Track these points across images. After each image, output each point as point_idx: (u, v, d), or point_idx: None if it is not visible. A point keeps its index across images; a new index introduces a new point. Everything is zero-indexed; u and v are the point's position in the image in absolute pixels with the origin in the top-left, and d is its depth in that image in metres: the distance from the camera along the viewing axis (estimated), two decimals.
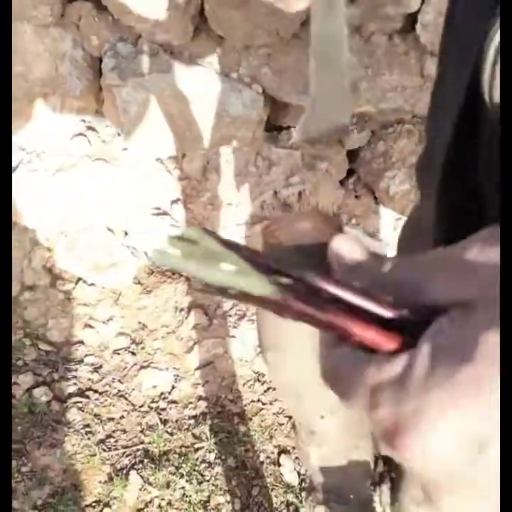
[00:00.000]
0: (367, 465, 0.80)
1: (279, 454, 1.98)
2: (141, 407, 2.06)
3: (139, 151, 1.93)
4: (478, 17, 0.52)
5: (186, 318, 2.20)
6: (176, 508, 1.86)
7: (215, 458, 1.96)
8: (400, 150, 2.02)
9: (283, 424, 2.03)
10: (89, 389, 2.07)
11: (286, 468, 1.94)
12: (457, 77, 0.58)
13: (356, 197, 2.18)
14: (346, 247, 0.40)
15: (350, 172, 2.16)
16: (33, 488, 1.86)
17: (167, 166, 2.06)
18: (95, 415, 2.02)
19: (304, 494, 1.83)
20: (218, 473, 1.93)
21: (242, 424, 2.03)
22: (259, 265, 0.36)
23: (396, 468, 0.79)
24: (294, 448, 1.98)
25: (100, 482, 1.90)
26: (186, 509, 1.86)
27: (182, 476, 1.91)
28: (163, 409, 2.06)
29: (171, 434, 2.00)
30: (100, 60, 1.77)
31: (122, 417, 2.04)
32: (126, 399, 2.07)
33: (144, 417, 2.04)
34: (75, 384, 2.07)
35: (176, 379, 2.11)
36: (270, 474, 1.94)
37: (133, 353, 2.15)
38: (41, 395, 2.02)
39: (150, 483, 1.90)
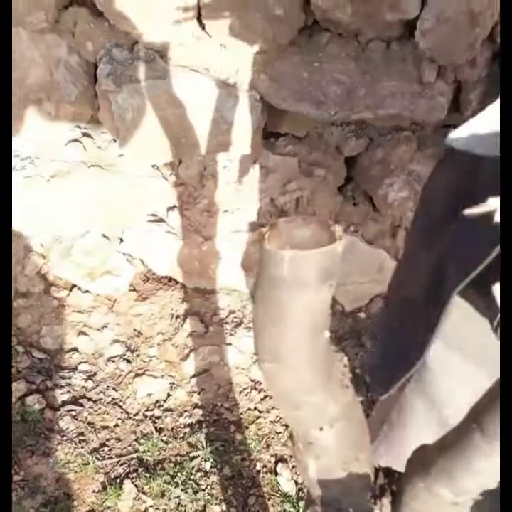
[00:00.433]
0: (367, 477, 0.78)
1: (276, 462, 1.96)
2: (135, 415, 2.04)
3: (134, 157, 1.91)
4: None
5: (182, 325, 2.18)
6: None
7: (211, 467, 1.94)
8: (398, 157, 2.01)
9: (280, 432, 2.02)
10: (83, 397, 2.05)
11: (283, 478, 1.92)
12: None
13: (354, 204, 2.16)
14: None
15: (349, 179, 2.15)
16: (25, 497, 1.83)
17: (163, 173, 2.04)
18: (89, 423, 2.00)
19: (301, 505, 1.81)
20: (214, 482, 1.91)
21: (238, 432, 2.02)
22: None
23: (397, 481, 0.77)
24: (291, 457, 1.96)
25: (94, 491, 1.88)
26: None
27: (177, 485, 1.89)
28: (158, 418, 2.04)
29: (166, 443, 1.98)
30: (96, 66, 1.76)
31: (116, 425, 2.01)
32: (120, 407, 2.05)
33: (138, 426, 2.02)
34: (69, 392, 2.05)
35: (171, 387, 2.09)
36: (267, 483, 1.92)
37: (128, 361, 2.13)
38: (34, 402, 2.00)
39: (144, 493, 1.88)
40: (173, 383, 2.10)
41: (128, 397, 2.08)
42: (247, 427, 2.03)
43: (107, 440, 1.99)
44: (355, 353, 2.16)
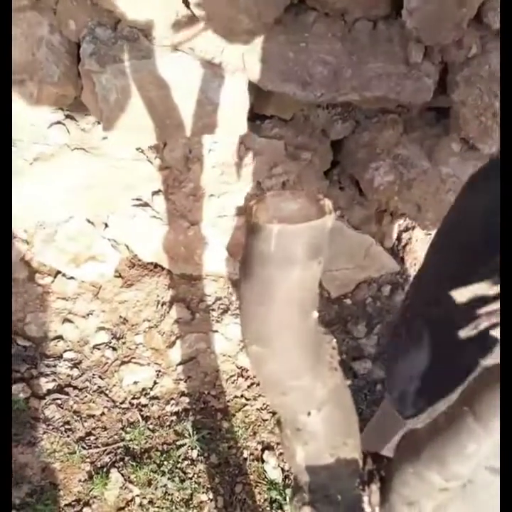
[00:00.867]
0: (355, 463, 0.77)
1: (263, 450, 1.94)
2: (122, 403, 2.02)
3: (119, 140, 1.87)
4: None
5: (168, 312, 2.16)
6: (158, 507, 1.82)
7: (198, 455, 1.92)
8: (384, 140, 1.99)
9: (267, 420, 2.00)
10: (69, 385, 2.02)
11: (269, 465, 1.90)
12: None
13: (340, 188, 2.14)
14: None
15: (335, 163, 2.13)
16: None
17: (148, 156, 2.01)
18: (75, 412, 1.98)
19: (288, 493, 1.79)
20: (201, 470, 1.89)
21: (225, 420, 2.00)
22: None
23: (386, 467, 0.75)
24: (278, 444, 1.94)
25: (80, 481, 1.86)
26: (168, 507, 1.82)
27: (164, 473, 1.87)
28: (145, 406, 2.02)
29: (153, 431, 1.96)
30: (78, 46, 1.71)
31: (103, 413, 1.99)
32: (106, 395, 2.02)
33: (124, 414, 1.99)
34: (54, 380, 2.02)
35: (157, 374, 2.07)
36: (253, 471, 1.91)
37: (114, 348, 2.11)
38: (19, 391, 1.96)
39: (131, 482, 1.85)
40: (159, 371, 2.07)
41: (114, 385, 2.05)
42: (233, 415, 2.01)
43: (93, 429, 1.96)
44: (342, 339, 2.14)
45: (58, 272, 2.18)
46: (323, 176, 2.09)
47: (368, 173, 2.04)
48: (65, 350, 2.09)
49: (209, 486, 1.86)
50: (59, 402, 1.99)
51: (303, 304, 0.58)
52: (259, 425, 2.00)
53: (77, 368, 2.06)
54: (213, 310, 2.18)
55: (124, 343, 2.12)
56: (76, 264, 2.15)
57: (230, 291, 2.22)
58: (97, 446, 1.92)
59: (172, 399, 2.03)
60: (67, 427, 1.95)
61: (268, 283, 0.56)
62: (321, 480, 0.75)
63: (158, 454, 1.91)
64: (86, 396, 2.01)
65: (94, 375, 2.05)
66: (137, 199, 2.10)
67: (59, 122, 1.90)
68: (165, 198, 2.07)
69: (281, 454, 1.91)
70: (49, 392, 2.00)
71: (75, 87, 1.79)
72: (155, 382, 2.06)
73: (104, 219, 2.15)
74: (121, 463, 1.89)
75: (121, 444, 1.93)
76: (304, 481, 0.75)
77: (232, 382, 2.07)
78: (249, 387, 2.06)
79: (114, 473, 1.86)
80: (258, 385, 2.04)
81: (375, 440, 1.07)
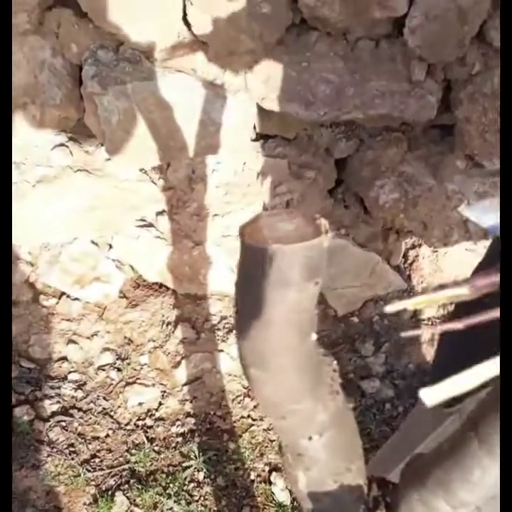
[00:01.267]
0: (360, 489, 0.75)
1: (270, 471, 1.92)
2: (127, 425, 2.00)
3: (122, 161, 1.88)
4: None
5: (173, 332, 2.14)
6: None
7: (204, 477, 1.90)
8: (388, 158, 1.98)
9: (274, 440, 1.98)
10: (73, 407, 2.01)
11: (277, 487, 1.88)
12: None
13: (345, 207, 2.13)
14: None
15: (339, 182, 2.12)
16: (14, 511, 1.78)
17: (151, 177, 2.01)
18: (79, 434, 1.96)
19: None
20: (207, 492, 1.87)
21: (231, 441, 1.98)
22: None
23: (392, 493, 0.74)
24: None
25: (85, 504, 1.84)
26: None
27: (170, 496, 1.85)
28: (150, 427, 2.00)
29: (158, 453, 1.94)
30: (80, 68, 1.72)
31: (107, 435, 1.97)
32: (111, 417, 2.01)
33: (129, 436, 1.97)
34: (59, 402, 2.01)
35: (162, 395, 2.05)
36: (261, 493, 1.88)
37: (118, 369, 2.09)
38: (23, 414, 1.95)
39: (136, 505, 1.83)
40: (164, 391, 2.06)
41: (119, 406, 2.03)
42: (240, 436, 1.99)
43: (98, 451, 1.94)
44: (349, 358, 2.12)
45: (63, 294, 2.18)
46: (328, 195, 2.08)
47: (372, 191, 2.03)
48: (70, 372, 2.08)
49: (216, 508, 1.84)
50: (63, 424, 1.97)
51: (300, 325, 0.57)
52: (267, 446, 1.97)
53: (82, 389, 2.05)
54: (218, 329, 2.17)
55: (128, 363, 2.11)
56: (80, 285, 2.15)
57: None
58: (102, 469, 1.90)
59: (177, 420, 2.01)
60: (71, 449, 1.93)
61: (263, 305, 0.54)
62: (324, 507, 0.73)
63: (164, 476, 1.89)
64: (90, 418, 2.00)
65: (98, 396, 2.04)
66: (141, 220, 2.10)
67: (62, 144, 1.91)
68: (169, 218, 2.07)
69: None
70: (53, 414, 1.99)
71: (77, 110, 1.80)
72: (160, 403, 2.04)
73: (108, 240, 2.15)
74: (127, 485, 1.87)
75: (126, 466, 1.91)
76: (307, 508, 0.73)
77: (239, 403, 2.05)
78: (255, 407, 2.04)
79: (120, 496, 1.84)
80: None
81: (393, 458, 1.04)
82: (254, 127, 1.88)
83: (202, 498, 1.86)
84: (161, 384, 2.07)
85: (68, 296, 2.18)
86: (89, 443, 1.95)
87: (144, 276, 2.22)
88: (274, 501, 1.86)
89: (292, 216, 0.54)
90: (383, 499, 0.74)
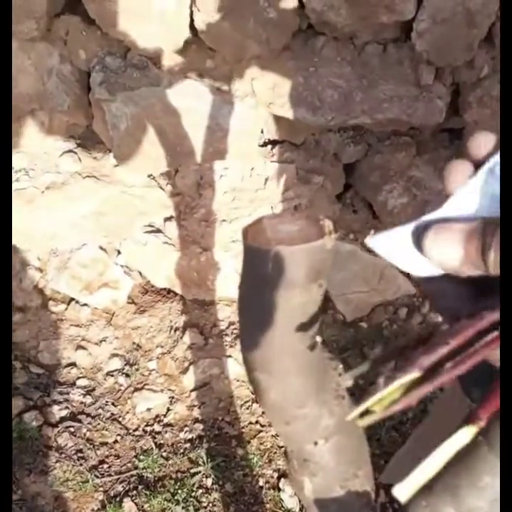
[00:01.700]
0: (367, 495, 0.74)
1: (279, 478, 1.91)
2: (135, 430, 2.00)
3: (130, 167, 1.88)
4: None
5: (181, 338, 2.14)
6: None
7: (213, 483, 1.89)
8: (397, 163, 1.98)
9: (282, 446, 1.97)
10: (82, 413, 2.01)
11: (286, 494, 1.87)
12: None
13: (354, 212, 2.13)
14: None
15: (347, 186, 2.12)
16: None
17: (159, 183, 2.01)
18: (88, 440, 1.96)
19: None
20: (216, 499, 1.86)
21: (240, 447, 1.97)
22: None
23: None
24: None
25: (93, 510, 1.83)
26: None
27: (178, 502, 1.84)
28: (158, 433, 1.99)
29: (167, 459, 1.93)
30: (88, 75, 1.73)
31: (116, 441, 1.97)
32: (119, 423, 2.01)
33: (138, 441, 1.97)
34: (67, 408, 2.01)
35: (171, 401, 2.05)
36: (270, 499, 1.87)
37: (127, 375, 2.09)
38: (32, 419, 1.95)
39: (145, 511, 1.83)
40: (172, 397, 2.05)
41: (127, 412, 2.03)
42: (248, 442, 1.98)
43: (106, 457, 1.94)
44: (358, 364, 2.11)
45: (71, 299, 2.18)
46: (336, 200, 2.08)
47: (381, 196, 2.02)
48: (78, 378, 2.08)
49: None
50: (72, 430, 1.97)
51: (305, 328, 0.56)
52: (275, 452, 1.96)
53: (90, 395, 2.05)
54: (226, 335, 2.17)
55: (137, 369, 2.11)
56: (89, 291, 2.15)
57: None
58: (110, 475, 1.90)
59: (186, 426, 2.01)
60: (79, 455, 1.93)
61: (267, 307, 0.54)
62: None
63: (172, 482, 1.89)
64: (99, 423, 1.99)
65: (107, 402, 2.04)
66: (149, 225, 2.10)
67: (70, 151, 1.92)
68: (177, 224, 2.07)
69: None
70: (62, 420, 1.99)
71: (85, 116, 1.81)
72: (168, 409, 2.04)
73: (116, 246, 2.16)
74: (135, 491, 1.87)
75: (134, 472, 1.91)
76: None
77: (247, 408, 2.05)
78: (264, 413, 2.03)
79: (128, 503, 1.84)
80: None
81: (406, 466, 1.02)
82: (262, 133, 1.88)
83: (210, 505, 1.85)
84: (169, 390, 2.07)
85: (77, 302, 2.18)
86: (98, 449, 1.95)
87: (152, 281, 2.23)
88: (282, 508, 1.85)
89: (296, 218, 0.53)
90: (391, 505, 0.73)
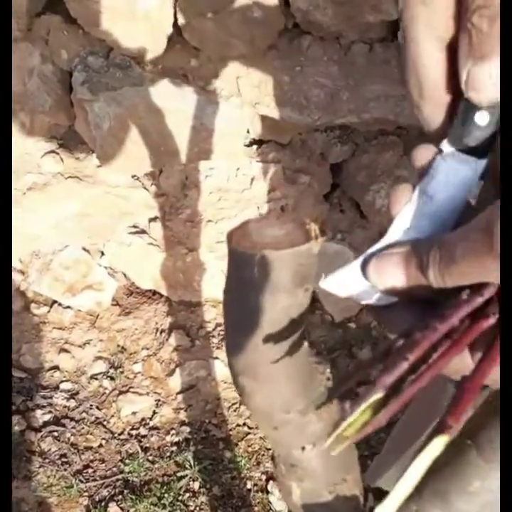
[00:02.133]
0: (356, 500, 0.73)
1: (267, 480, 1.89)
2: (120, 434, 1.97)
3: (113, 167, 1.86)
4: None
5: (167, 339, 2.12)
6: None
7: (200, 487, 1.87)
8: (384, 162, 1.97)
9: (270, 449, 1.95)
10: (66, 417, 1.99)
11: (274, 496, 1.85)
12: None
13: (341, 211, 2.12)
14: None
15: (335, 186, 2.11)
16: None
17: (144, 183, 1.99)
18: (72, 444, 1.94)
19: None
20: (203, 502, 1.84)
21: (227, 450, 1.95)
22: None
23: None
24: None
25: None
26: None
27: (164, 507, 1.82)
28: (144, 437, 1.97)
29: (153, 463, 1.91)
30: (70, 75, 1.71)
31: (100, 445, 1.95)
32: (104, 426, 1.98)
33: (123, 445, 1.95)
34: (51, 412, 1.98)
35: (157, 404, 2.03)
36: (258, 502, 1.86)
37: (111, 378, 2.07)
38: (15, 424, 1.93)
39: None
40: (158, 400, 2.04)
41: (112, 415, 2.01)
42: (236, 444, 1.96)
43: (91, 461, 1.92)
44: (346, 365, 2.10)
45: (54, 302, 2.16)
46: (323, 200, 2.07)
47: (368, 196, 2.02)
48: (62, 381, 2.06)
49: None
50: (55, 434, 1.95)
51: (290, 333, 0.55)
52: (263, 454, 1.95)
53: (74, 398, 2.03)
54: (213, 336, 2.15)
55: (122, 372, 2.09)
56: (72, 294, 2.13)
57: None
58: (95, 480, 1.88)
59: (172, 429, 1.99)
60: (63, 459, 1.91)
61: (252, 312, 0.53)
62: None
63: (159, 486, 1.87)
64: (83, 428, 1.97)
65: (91, 405, 2.02)
66: (134, 226, 2.08)
67: (52, 151, 1.90)
68: (162, 225, 2.05)
69: None
70: (45, 424, 1.96)
71: (68, 116, 1.79)
72: (154, 412, 2.02)
73: (100, 247, 2.13)
74: (121, 496, 1.85)
75: (120, 476, 1.88)
76: None
77: (234, 411, 2.03)
78: (251, 415, 2.02)
79: (113, 507, 1.82)
80: None
81: (383, 464, 1.02)
82: (248, 132, 1.87)
83: (197, 509, 1.83)
84: (155, 392, 2.05)
85: (60, 305, 2.16)
86: (82, 453, 1.93)
87: (137, 283, 2.21)
88: (271, 510, 1.83)
89: (281, 221, 0.52)
90: None
